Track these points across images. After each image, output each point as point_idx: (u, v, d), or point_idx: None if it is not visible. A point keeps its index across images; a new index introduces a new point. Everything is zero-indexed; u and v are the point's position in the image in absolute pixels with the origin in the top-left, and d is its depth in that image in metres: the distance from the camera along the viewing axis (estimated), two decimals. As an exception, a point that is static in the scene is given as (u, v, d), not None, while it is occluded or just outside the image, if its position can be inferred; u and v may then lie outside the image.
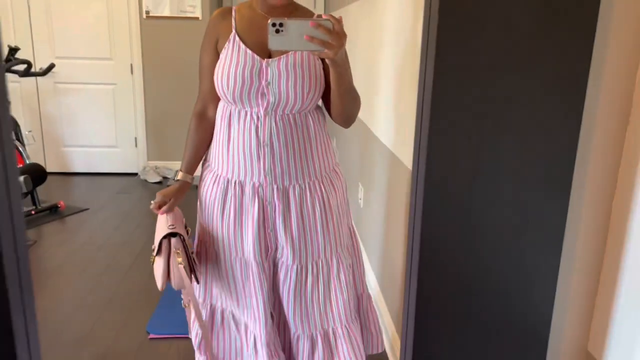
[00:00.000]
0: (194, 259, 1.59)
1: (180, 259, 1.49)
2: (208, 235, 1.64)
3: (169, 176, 4.77)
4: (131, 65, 4.62)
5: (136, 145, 4.86)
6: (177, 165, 4.85)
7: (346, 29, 3.58)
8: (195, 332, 1.75)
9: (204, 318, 1.71)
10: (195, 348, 1.78)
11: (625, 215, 0.85)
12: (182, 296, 1.60)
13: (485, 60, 0.81)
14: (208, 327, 1.73)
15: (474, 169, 0.83)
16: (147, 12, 4.45)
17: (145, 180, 4.73)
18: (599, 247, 0.89)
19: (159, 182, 4.69)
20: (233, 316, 1.73)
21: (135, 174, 4.89)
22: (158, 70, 4.65)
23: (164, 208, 1.59)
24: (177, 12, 4.45)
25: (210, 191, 1.59)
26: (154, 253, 1.54)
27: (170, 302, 2.62)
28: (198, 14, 4.47)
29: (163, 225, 1.57)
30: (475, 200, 0.84)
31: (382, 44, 2.48)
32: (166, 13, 4.46)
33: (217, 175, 1.58)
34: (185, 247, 1.55)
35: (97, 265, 3.06)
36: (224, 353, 1.76)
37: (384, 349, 2.07)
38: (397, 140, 2.18)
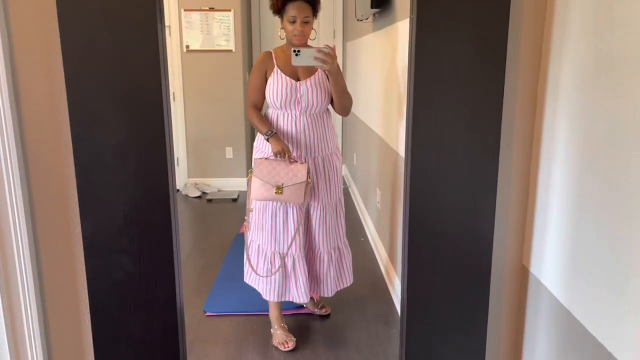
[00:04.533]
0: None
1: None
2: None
3: (207, 191, 5.30)
4: (173, 93, 5.21)
5: (178, 164, 5.42)
6: (214, 180, 5.41)
7: (360, 53, 4.16)
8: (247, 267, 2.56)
9: (264, 263, 2.47)
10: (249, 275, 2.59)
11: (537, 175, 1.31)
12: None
13: (440, 86, 1.30)
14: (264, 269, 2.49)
15: (439, 147, 1.31)
16: (187, 47, 5.06)
17: (187, 195, 5.26)
18: (523, 191, 1.35)
19: (199, 197, 5.22)
20: (279, 255, 2.45)
21: (178, 190, 5.44)
22: (197, 97, 5.23)
23: (290, 153, 2.29)
24: (213, 46, 5.06)
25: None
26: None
27: (221, 287, 3.11)
28: (231, 47, 5.06)
29: (279, 165, 2.29)
30: (439, 165, 1.32)
31: (382, 71, 2.98)
32: (204, 47, 5.07)
33: (267, 154, 2.36)
34: None
35: (155, 262, 3.56)
36: (275, 284, 2.49)
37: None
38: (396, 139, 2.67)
